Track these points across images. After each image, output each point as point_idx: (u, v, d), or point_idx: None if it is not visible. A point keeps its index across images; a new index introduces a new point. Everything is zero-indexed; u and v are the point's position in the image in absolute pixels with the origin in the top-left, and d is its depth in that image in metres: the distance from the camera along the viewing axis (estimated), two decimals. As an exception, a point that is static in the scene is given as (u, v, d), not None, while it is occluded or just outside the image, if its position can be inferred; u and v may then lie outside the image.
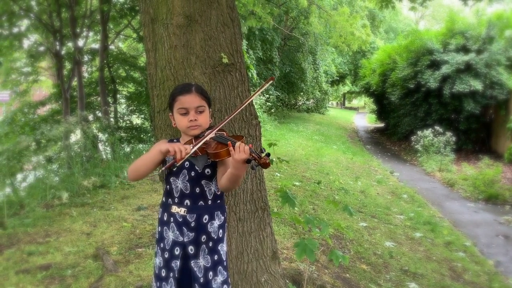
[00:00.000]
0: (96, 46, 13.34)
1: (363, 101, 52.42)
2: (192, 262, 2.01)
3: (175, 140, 2.16)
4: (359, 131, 25.32)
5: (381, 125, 25.41)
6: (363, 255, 4.93)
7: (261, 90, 2.06)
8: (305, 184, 8.07)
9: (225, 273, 2.08)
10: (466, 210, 8.27)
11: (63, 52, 11.16)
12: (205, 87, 2.38)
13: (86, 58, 12.77)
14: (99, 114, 11.74)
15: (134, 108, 12.98)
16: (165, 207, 2.08)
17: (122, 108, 13.14)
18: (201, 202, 2.02)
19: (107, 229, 4.59)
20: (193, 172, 2.02)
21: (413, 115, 15.77)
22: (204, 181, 2.02)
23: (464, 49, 13.94)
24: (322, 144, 15.50)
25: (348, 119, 32.89)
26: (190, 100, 2.01)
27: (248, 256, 2.61)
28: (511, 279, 5.13)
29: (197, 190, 2.01)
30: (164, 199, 2.10)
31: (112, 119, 11.45)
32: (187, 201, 2.01)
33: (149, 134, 11.73)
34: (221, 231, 2.07)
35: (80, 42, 11.16)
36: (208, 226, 2.02)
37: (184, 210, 2.00)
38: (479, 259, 5.57)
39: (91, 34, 12.76)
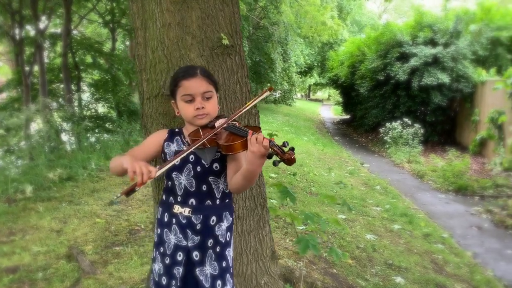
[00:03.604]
0: (57, 30, 12.64)
1: (328, 93, 52.99)
2: (197, 270, 1.77)
3: (177, 130, 1.90)
4: (326, 122, 25.50)
5: (346, 117, 25.68)
6: (346, 249, 4.82)
7: (260, 98, 1.83)
8: (280, 175, 7.92)
9: (232, 281, 1.85)
10: (438, 202, 8.37)
11: (22, 35, 10.46)
12: (203, 71, 2.13)
13: (47, 43, 12.05)
14: (62, 102, 11.13)
15: (99, 96, 12.41)
16: (166, 206, 1.82)
17: (86, 96, 12.54)
18: (208, 201, 1.78)
19: (78, 226, 4.25)
20: (199, 167, 1.77)
21: (381, 107, 15.91)
22: (211, 177, 1.78)
23: (432, 43, 14.12)
24: (292, 135, 15.42)
25: (314, 111, 33.08)
26: (196, 85, 1.75)
27: (247, 257, 2.40)
28: (490, 270, 5.17)
29: (204, 187, 1.77)
30: (164, 197, 1.84)
31: (76, 108, 10.90)
32: (192, 200, 1.76)
33: (116, 124, 11.23)
34: (228, 234, 1.83)
35: (41, 26, 10.47)
36: (216, 228, 1.78)
37: (189, 211, 1.75)
38: (458, 251, 5.60)
39: (52, 17, 12.04)
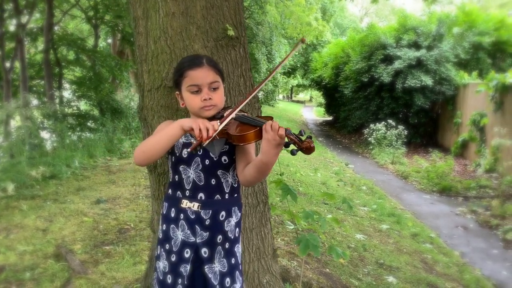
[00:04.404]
0: (38, 25, 12.31)
1: (310, 95, 53.24)
2: (206, 267, 1.69)
3: None
4: (308, 123, 25.56)
5: (329, 118, 25.79)
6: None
7: (293, 52, 1.76)
8: (268, 175, 7.86)
9: (241, 278, 1.78)
10: (423, 202, 8.44)
11: (3, 30, 10.15)
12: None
13: (27, 38, 11.73)
14: (44, 99, 10.84)
15: (81, 94, 12.12)
16: (173, 201, 1.73)
17: (68, 93, 12.25)
18: (218, 196, 1.70)
19: (65, 225, 4.11)
20: (207, 160, 1.69)
21: (365, 109, 16.02)
22: (220, 171, 1.70)
23: (416, 45, 14.29)
24: (277, 135, 15.38)
25: (297, 112, 33.15)
26: (202, 75, 1.66)
27: (249, 255, 2.33)
28: (478, 269, 5.22)
29: (213, 181, 1.69)
30: (170, 191, 1.76)
31: (57, 105, 10.62)
32: (201, 195, 1.68)
33: (99, 122, 10.98)
34: (237, 229, 1.76)
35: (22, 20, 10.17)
36: (225, 224, 1.71)
37: (198, 205, 1.67)
38: (446, 251, 5.64)
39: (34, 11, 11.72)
